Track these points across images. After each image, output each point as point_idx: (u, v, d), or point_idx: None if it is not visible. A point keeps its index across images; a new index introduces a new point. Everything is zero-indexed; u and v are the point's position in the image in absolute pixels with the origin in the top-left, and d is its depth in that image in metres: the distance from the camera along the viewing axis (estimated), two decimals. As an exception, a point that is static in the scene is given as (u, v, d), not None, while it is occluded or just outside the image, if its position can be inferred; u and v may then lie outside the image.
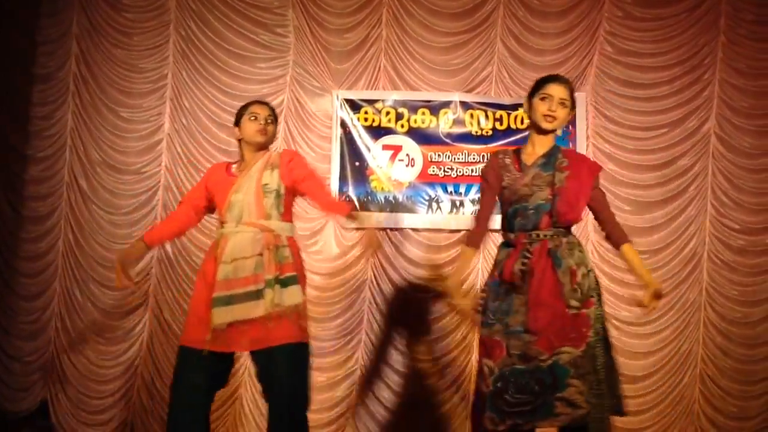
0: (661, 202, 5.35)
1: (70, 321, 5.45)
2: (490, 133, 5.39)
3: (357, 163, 5.43)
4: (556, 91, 3.30)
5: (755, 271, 5.32)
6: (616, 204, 5.33)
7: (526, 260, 3.23)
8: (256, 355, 3.42)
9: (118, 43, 5.59)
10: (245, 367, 5.25)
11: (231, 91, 5.48)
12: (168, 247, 5.42)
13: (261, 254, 3.36)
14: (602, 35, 5.38)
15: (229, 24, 5.53)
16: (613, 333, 5.17)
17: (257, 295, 3.32)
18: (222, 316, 3.31)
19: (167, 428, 3.45)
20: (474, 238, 3.48)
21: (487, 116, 5.40)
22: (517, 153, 3.42)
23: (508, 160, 3.40)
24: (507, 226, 3.38)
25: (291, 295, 3.35)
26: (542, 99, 3.31)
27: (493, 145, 5.36)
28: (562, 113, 3.30)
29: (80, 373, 5.39)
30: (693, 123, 5.36)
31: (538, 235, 3.27)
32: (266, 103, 3.76)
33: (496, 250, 3.47)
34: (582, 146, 5.29)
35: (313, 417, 5.11)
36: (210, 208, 3.68)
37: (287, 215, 3.53)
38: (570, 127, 5.31)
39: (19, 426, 5.33)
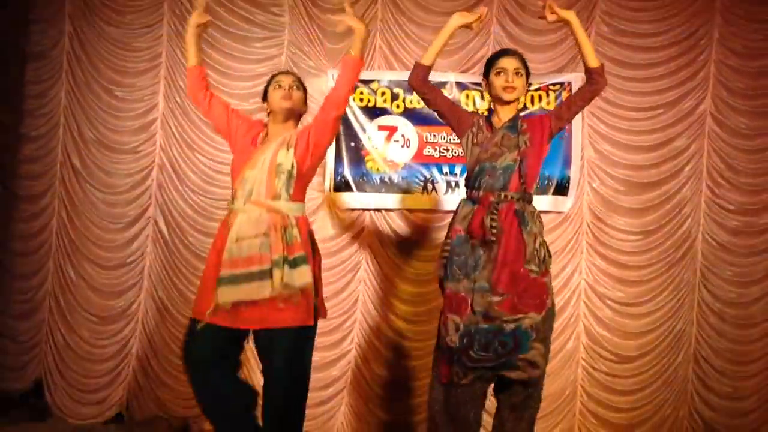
0: (656, 183, 5.33)
1: (64, 300, 5.45)
2: (486, 113, 5.34)
3: (352, 144, 5.41)
4: (509, 63, 3.55)
5: (750, 252, 5.32)
6: (611, 185, 5.35)
7: (494, 216, 3.38)
8: (258, 335, 3.40)
9: (112, 21, 5.55)
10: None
11: (226, 70, 5.44)
12: (163, 226, 5.41)
13: (267, 234, 3.33)
14: (598, 15, 5.35)
15: (223, 3, 5.48)
16: (607, 313, 5.30)
17: (262, 275, 3.29)
18: (227, 295, 3.30)
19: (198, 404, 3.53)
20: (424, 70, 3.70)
21: (482, 97, 5.37)
22: (488, 118, 3.67)
23: (481, 122, 3.66)
24: (472, 184, 3.55)
25: (300, 276, 3.32)
26: (497, 74, 3.57)
27: (489, 126, 5.35)
28: (519, 82, 3.55)
29: (75, 353, 5.40)
30: (689, 103, 5.35)
31: (506, 196, 3.44)
32: (291, 73, 3.79)
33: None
34: (577, 126, 5.25)
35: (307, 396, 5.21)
36: (216, 117, 3.66)
37: (297, 195, 3.49)
38: (565, 107, 5.31)
39: (13, 405, 5.33)
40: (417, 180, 5.39)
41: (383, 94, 5.42)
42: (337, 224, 5.39)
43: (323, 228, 5.36)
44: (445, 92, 5.37)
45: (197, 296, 3.53)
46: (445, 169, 5.38)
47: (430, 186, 5.39)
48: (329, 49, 5.45)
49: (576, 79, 5.29)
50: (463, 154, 5.26)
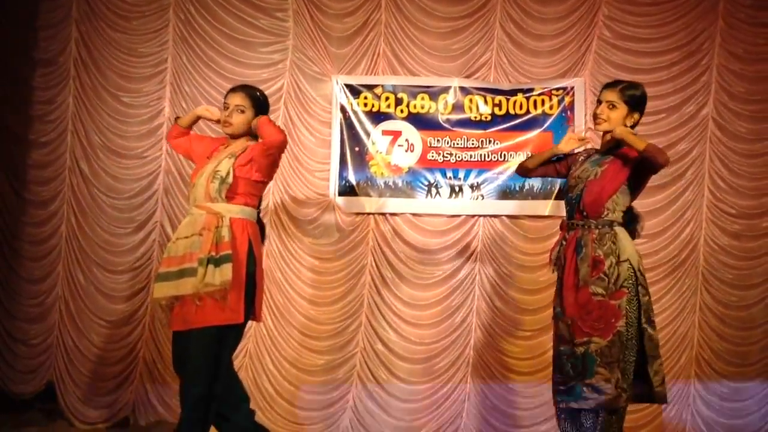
0: (659, 187, 5.34)
1: (74, 304, 5.50)
2: (489, 118, 5.42)
3: (356, 148, 5.46)
4: (606, 95, 3.61)
5: (750, 255, 5.37)
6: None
7: (561, 248, 3.60)
8: (178, 336, 3.55)
9: (118, 27, 5.59)
10: (246, 350, 5.33)
11: (230, 75, 5.46)
12: (170, 231, 5.45)
13: (200, 234, 3.49)
14: (601, 20, 5.38)
15: (228, 8, 5.53)
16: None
17: (190, 272, 3.45)
18: (160, 291, 3.51)
19: None
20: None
21: (486, 101, 5.42)
22: (589, 150, 3.80)
23: (580, 158, 3.76)
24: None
25: (222, 273, 3.44)
26: (598, 103, 3.66)
27: (492, 130, 5.40)
28: (611, 114, 3.57)
29: (85, 356, 5.44)
30: (691, 108, 5.38)
31: (573, 224, 3.61)
32: (242, 89, 3.79)
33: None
34: (579, 131, 5.28)
35: (313, 399, 5.30)
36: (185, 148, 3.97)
37: (239, 198, 3.59)
38: (568, 112, 5.34)
39: (25, 407, 5.41)
40: (421, 184, 5.44)
41: (387, 99, 5.46)
42: (342, 229, 5.43)
43: (328, 232, 5.41)
44: (449, 97, 5.42)
45: None
46: (449, 174, 5.43)
47: (434, 190, 5.43)
48: (333, 54, 5.50)
49: (578, 83, 5.34)
50: (466, 159, 5.40)
